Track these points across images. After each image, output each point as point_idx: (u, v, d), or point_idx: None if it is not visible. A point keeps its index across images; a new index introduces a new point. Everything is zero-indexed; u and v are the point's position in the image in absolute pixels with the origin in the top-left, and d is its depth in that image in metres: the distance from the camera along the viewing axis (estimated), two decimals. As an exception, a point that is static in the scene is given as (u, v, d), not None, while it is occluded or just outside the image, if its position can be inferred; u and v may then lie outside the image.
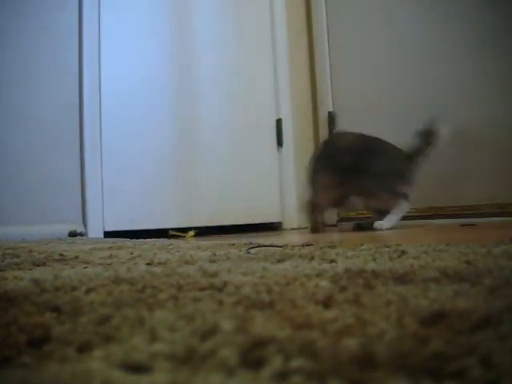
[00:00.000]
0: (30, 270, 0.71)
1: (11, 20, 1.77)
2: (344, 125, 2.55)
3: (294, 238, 1.65)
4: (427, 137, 1.75)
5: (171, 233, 2.00)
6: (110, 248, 1.08)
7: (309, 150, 2.61)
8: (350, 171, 1.63)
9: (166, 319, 0.35)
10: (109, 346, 0.29)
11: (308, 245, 0.92)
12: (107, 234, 1.88)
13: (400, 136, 2.33)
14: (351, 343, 0.27)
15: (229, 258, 0.74)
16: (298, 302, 0.39)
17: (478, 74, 2.11)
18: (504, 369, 0.23)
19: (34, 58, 1.81)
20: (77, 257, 0.86)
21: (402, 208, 1.68)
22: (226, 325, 0.32)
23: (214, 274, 0.55)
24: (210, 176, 2.19)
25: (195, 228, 2.06)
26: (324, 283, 0.47)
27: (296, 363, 0.25)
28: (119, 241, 1.38)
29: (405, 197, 1.68)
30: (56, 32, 1.86)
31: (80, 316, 0.37)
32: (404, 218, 1.86)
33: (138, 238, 1.39)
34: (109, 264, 0.73)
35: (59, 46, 1.87)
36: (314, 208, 1.71)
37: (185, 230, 2.04)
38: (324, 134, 2.60)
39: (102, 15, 1.95)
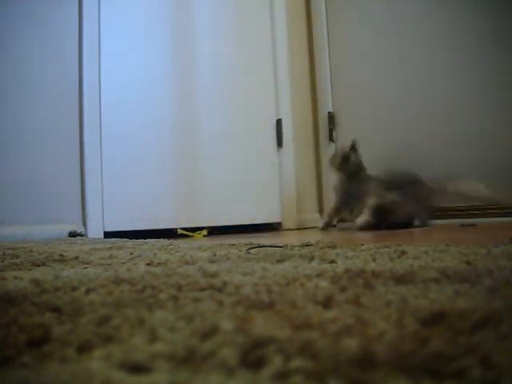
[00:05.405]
0: (30, 270, 0.71)
1: (11, 16, 1.77)
2: (344, 125, 2.56)
3: (293, 238, 1.65)
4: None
5: (180, 232, 2.00)
6: (110, 248, 1.08)
7: (309, 150, 2.61)
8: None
9: (166, 319, 0.35)
10: (109, 346, 0.29)
11: (308, 245, 0.92)
12: (107, 234, 1.87)
13: (399, 136, 2.33)
14: (351, 343, 0.27)
15: (229, 259, 0.74)
16: (297, 302, 0.39)
17: (479, 74, 2.11)
18: (504, 369, 0.23)
19: (33, 57, 1.81)
20: (77, 257, 0.85)
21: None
22: (226, 325, 0.32)
23: (214, 275, 0.55)
24: (209, 176, 2.19)
25: (195, 228, 2.06)
26: (324, 283, 0.47)
27: (296, 363, 0.25)
28: (119, 241, 1.38)
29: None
30: (56, 28, 1.86)
31: (80, 316, 0.37)
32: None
33: (138, 238, 1.39)
34: (109, 264, 0.73)
35: (59, 42, 1.86)
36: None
37: (193, 229, 2.04)
38: (324, 133, 2.60)
39: (102, 9, 1.95)
